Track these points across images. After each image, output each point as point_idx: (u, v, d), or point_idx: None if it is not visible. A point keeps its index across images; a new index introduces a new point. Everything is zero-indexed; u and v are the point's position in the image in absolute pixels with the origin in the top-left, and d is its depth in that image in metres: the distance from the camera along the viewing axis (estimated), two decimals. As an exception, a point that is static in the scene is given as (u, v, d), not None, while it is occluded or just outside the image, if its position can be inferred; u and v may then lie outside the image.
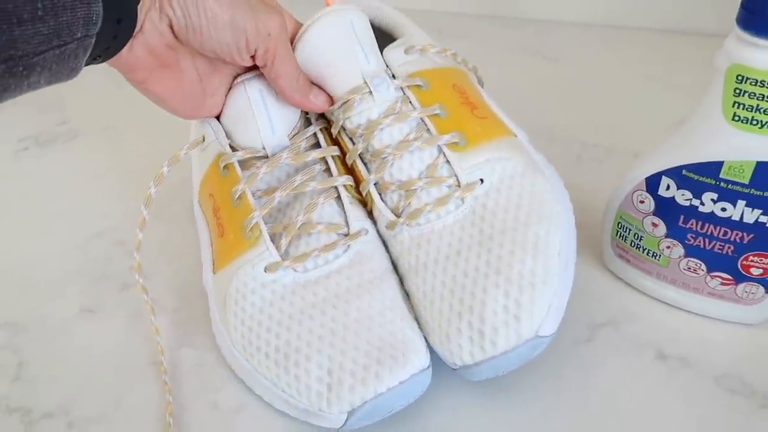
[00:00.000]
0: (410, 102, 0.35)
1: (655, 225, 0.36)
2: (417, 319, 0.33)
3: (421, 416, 0.33)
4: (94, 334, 0.39)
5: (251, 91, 0.36)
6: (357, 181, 0.37)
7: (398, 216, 0.34)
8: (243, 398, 0.34)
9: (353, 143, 0.36)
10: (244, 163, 0.36)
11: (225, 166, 0.36)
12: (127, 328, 0.39)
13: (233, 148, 0.37)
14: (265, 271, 0.33)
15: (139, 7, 0.30)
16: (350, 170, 0.37)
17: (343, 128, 0.36)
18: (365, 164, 0.36)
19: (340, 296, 0.33)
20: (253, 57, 0.34)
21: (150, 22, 0.31)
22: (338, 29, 0.35)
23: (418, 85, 0.36)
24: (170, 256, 0.43)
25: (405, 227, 0.33)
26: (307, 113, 0.38)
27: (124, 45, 0.30)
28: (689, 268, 0.36)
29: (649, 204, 0.35)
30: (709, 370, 0.35)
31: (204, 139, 0.38)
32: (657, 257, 0.37)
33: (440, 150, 0.34)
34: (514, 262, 0.31)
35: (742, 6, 0.29)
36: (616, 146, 0.51)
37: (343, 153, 0.38)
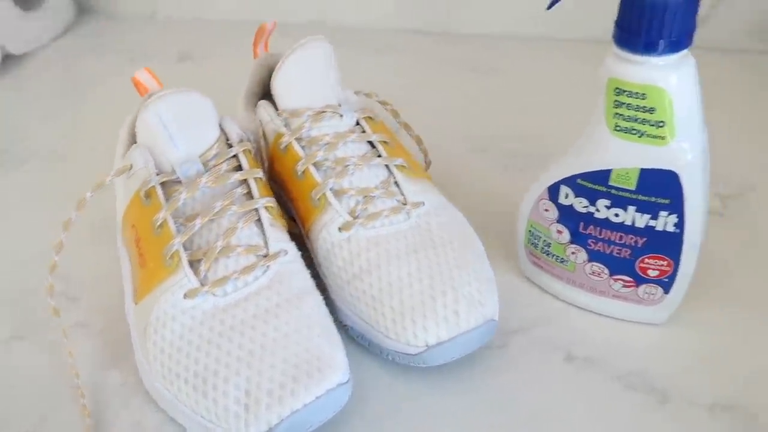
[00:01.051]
0: (364, 130, 0.41)
1: (560, 232, 0.37)
2: (368, 319, 0.36)
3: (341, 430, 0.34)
4: (23, 359, 0.39)
5: (149, 115, 0.36)
6: (300, 192, 0.40)
7: (354, 218, 0.37)
8: (166, 417, 0.35)
9: (305, 152, 0.39)
10: (166, 192, 0.37)
11: (147, 193, 0.36)
12: (55, 351, 0.39)
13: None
14: (185, 298, 0.34)
15: None
16: (283, 185, 0.41)
17: (298, 138, 0.40)
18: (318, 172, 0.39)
19: (259, 317, 0.33)
20: None
21: None
22: (320, 54, 0.40)
23: (371, 117, 0.41)
24: (102, 279, 0.44)
25: (361, 228, 0.37)
26: (228, 139, 0.39)
27: None
28: (593, 272, 0.38)
29: (553, 212, 0.37)
30: (612, 369, 0.36)
31: (131, 167, 0.38)
32: (565, 263, 0.38)
33: (390, 171, 0.39)
34: (469, 262, 0.36)
35: (616, 24, 0.31)
36: (543, 156, 0.53)
37: (274, 170, 0.40)
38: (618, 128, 0.32)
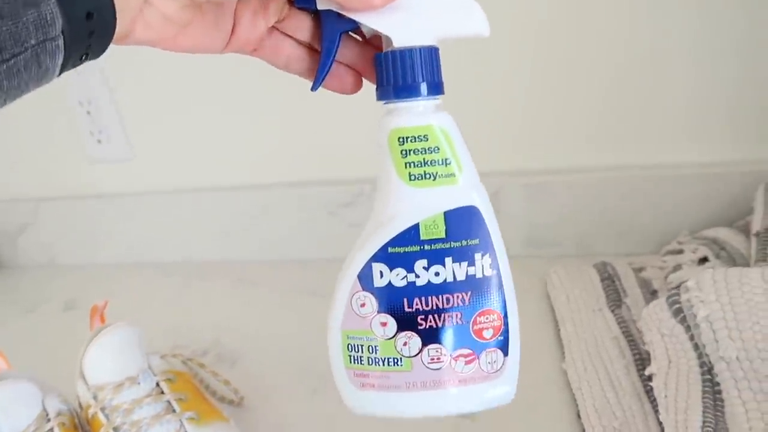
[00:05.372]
0: (162, 391, 0.48)
1: (384, 324, 0.33)
2: None
3: None
4: None
5: None
6: None
7: None
8: None
9: (108, 419, 0.46)
10: None
11: None
12: None
13: None
14: None
15: None
16: None
17: (102, 408, 0.46)
18: None
19: None
20: None
21: None
22: (120, 336, 0.48)
23: (170, 379, 0.50)
24: None
25: None
26: (48, 415, 0.46)
27: (108, 39, 0.28)
28: (432, 359, 0.33)
29: (371, 303, 0.33)
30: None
31: None
32: (399, 362, 0.33)
33: (182, 424, 0.46)
34: None
35: (382, 84, 0.33)
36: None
37: None
38: (412, 178, 0.33)
